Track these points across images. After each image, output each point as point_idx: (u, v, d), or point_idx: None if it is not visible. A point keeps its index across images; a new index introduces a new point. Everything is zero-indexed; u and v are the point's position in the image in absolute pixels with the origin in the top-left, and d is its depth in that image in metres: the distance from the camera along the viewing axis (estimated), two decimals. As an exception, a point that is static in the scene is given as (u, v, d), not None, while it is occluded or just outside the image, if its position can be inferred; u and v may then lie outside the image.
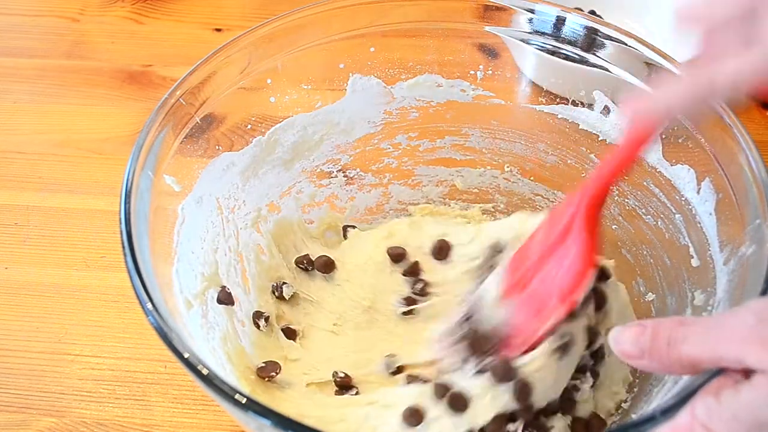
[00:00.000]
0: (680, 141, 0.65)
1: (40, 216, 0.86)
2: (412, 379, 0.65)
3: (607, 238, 0.73)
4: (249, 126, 0.70)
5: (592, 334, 0.63)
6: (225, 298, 0.66)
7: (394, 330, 0.71)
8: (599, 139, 0.71)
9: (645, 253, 0.70)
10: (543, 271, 0.59)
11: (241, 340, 0.66)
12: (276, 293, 0.72)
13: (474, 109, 0.75)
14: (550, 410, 0.61)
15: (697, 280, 0.62)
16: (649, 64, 0.65)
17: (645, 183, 0.68)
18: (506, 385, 0.58)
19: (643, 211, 0.70)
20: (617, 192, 0.72)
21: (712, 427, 0.43)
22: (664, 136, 0.66)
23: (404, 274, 0.73)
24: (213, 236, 0.67)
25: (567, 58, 0.70)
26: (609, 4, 1.02)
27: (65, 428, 0.69)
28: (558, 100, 0.73)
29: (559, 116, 0.73)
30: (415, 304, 0.72)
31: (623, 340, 0.48)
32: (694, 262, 0.63)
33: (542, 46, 0.72)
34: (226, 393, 0.46)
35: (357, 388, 0.66)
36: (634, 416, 0.63)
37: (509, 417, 0.59)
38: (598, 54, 0.68)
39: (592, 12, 0.99)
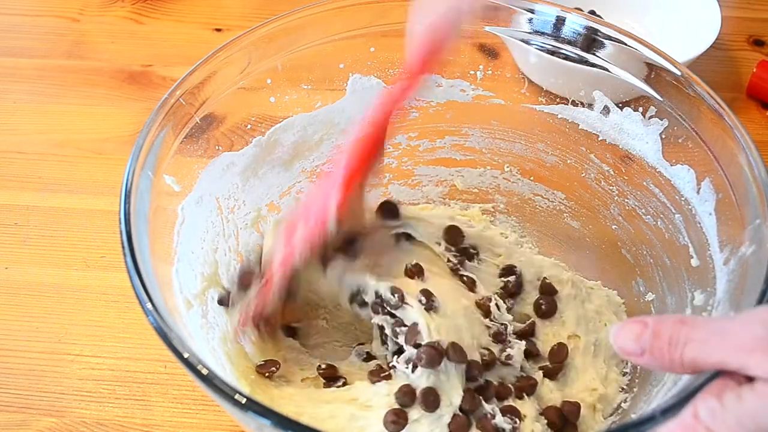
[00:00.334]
0: (680, 141, 0.65)
1: (40, 216, 0.86)
2: (380, 372, 0.65)
3: (607, 238, 0.74)
4: (249, 126, 0.70)
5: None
6: (226, 301, 0.66)
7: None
8: (599, 139, 0.71)
9: (645, 253, 0.70)
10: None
11: (240, 340, 0.66)
12: None
13: (474, 109, 0.75)
14: (507, 391, 0.63)
15: (696, 280, 0.62)
16: (649, 64, 0.65)
17: (645, 183, 0.68)
18: (443, 364, 0.59)
19: (643, 211, 0.70)
20: (617, 192, 0.72)
21: (715, 429, 0.43)
22: (663, 137, 0.66)
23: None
24: (213, 236, 0.67)
25: (567, 58, 0.70)
26: (609, 4, 1.02)
27: (65, 428, 0.69)
28: (558, 100, 0.73)
29: (559, 116, 0.73)
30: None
31: (623, 336, 0.48)
32: (694, 262, 0.63)
33: (542, 46, 0.72)
34: (226, 393, 0.46)
35: (344, 378, 0.66)
36: (633, 416, 0.63)
37: (476, 389, 0.61)
38: (598, 54, 0.68)
39: (592, 12, 0.99)
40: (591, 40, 0.68)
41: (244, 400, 0.46)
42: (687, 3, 0.99)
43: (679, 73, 0.64)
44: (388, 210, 0.71)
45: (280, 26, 0.68)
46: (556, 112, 0.73)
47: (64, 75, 1.02)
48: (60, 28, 1.10)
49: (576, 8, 0.78)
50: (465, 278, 0.70)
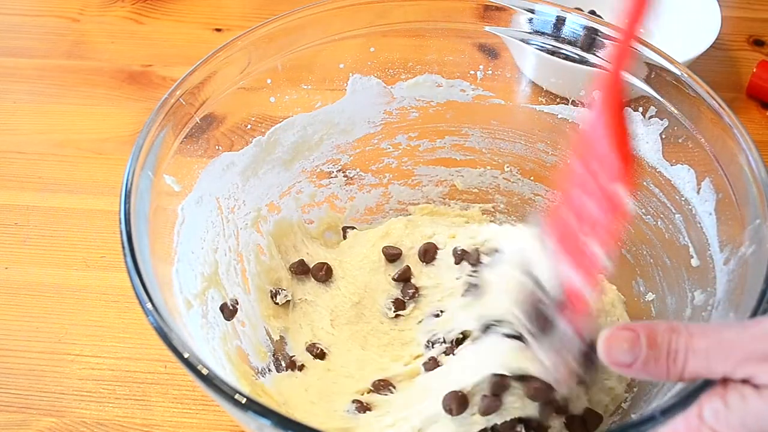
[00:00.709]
0: (680, 141, 0.65)
1: (40, 216, 0.86)
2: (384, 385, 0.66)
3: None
4: (249, 126, 0.70)
5: None
6: (228, 313, 0.66)
7: (379, 327, 0.73)
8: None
9: (645, 253, 0.70)
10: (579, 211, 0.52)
11: (241, 341, 0.67)
12: (273, 299, 0.72)
13: (474, 109, 0.75)
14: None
15: (696, 280, 0.62)
16: (649, 64, 0.65)
17: (645, 183, 0.68)
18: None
19: (643, 211, 0.70)
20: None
21: (719, 430, 0.43)
22: (663, 137, 0.66)
23: (395, 279, 0.74)
24: (213, 236, 0.67)
25: (567, 58, 0.70)
26: (609, 4, 1.02)
27: (65, 428, 0.69)
28: (558, 100, 0.73)
29: (559, 116, 0.73)
30: (404, 307, 0.73)
31: (614, 346, 0.45)
32: (694, 262, 0.63)
33: (542, 46, 0.72)
34: (226, 393, 0.46)
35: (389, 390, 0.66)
36: (634, 416, 0.63)
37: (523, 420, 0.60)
38: (598, 54, 0.68)
39: (592, 12, 0.99)
40: (591, 40, 0.68)
41: (244, 400, 0.46)
42: (687, 3, 0.99)
43: (679, 73, 0.64)
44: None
45: (280, 26, 0.68)
46: (556, 112, 0.73)
47: (64, 75, 1.02)
48: (60, 28, 1.10)
49: (576, 8, 0.78)
50: None
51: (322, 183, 0.77)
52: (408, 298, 0.73)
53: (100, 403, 0.71)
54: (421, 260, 0.75)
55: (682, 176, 0.65)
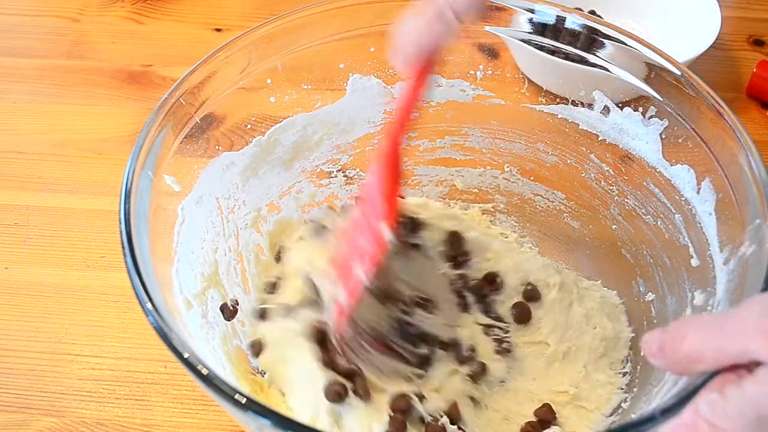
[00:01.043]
0: (680, 141, 0.65)
1: (40, 216, 0.86)
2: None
3: (607, 238, 0.74)
4: (249, 126, 0.70)
5: None
6: (228, 313, 0.66)
7: None
8: (599, 139, 0.71)
9: (645, 253, 0.70)
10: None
11: (241, 341, 0.67)
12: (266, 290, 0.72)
13: (474, 109, 0.75)
14: None
15: (696, 280, 0.62)
16: (649, 64, 0.65)
17: (645, 183, 0.68)
18: None
19: (643, 211, 0.70)
20: (617, 191, 0.72)
21: (716, 423, 0.43)
22: (663, 137, 0.66)
23: None
24: (213, 236, 0.67)
25: (567, 57, 0.70)
26: (609, 4, 1.02)
27: (65, 428, 0.69)
28: (558, 100, 0.72)
29: (559, 116, 0.73)
30: None
31: (649, 341, 0.48)
32: (694, 262, 0.63)
33: (542, 46, 0.72)
34: (226, 393, 0.46)
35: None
36: (634, 416, 0.63)
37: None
38: (598, 54, 0.68)
39: (592, 12, 0.99)
40: (591, 40, 0.68)
41: (244, 400, 0.46)
42: (687, 3, 0.99)
43: (679, 73, 0.64)
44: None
45: (280, 26, 0.68)
46: (556, 112, 0.73)
47: (64, 75, 1.02)
48: (60, 28, 1.10)
49: (576, 8, 0.78)
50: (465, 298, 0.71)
51: (322, 183, 0.77)
52: None
53: (100, 403, 0.71)
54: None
55: (682, 176, 0.65)
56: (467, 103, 0.75)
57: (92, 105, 0.98)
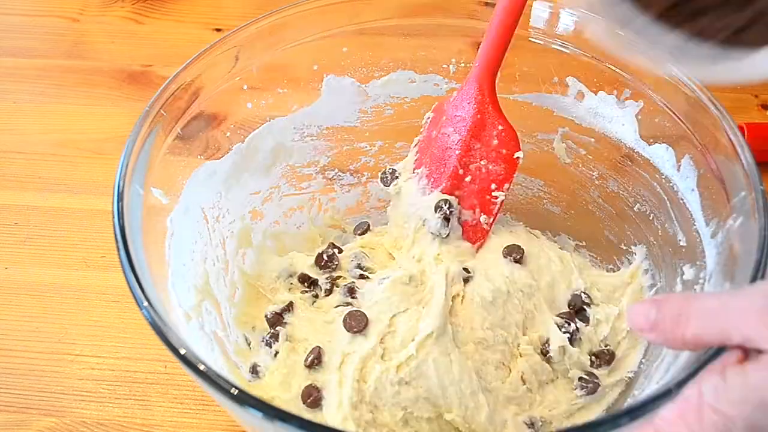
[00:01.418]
0: (656, 120, 0.65)
1: (40, 216, 0.86)
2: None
3: (589, 220, 0.74)
4: (228, 134, 0.69)
5: None
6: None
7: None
8: (575, 123, 0.71)
9: (629, 233, 0.70)
10: (472, 165, 0.69)
11: (229, 351, 0.66)
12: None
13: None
14: None
15: (684, 255, 0.62)
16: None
17: (624, 165, 0.69)
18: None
19: (624, 192, 0.70)
20: (597, 175, 0.72)
21: (719, 408, 0.43)
22: (639, 117, 0.66)
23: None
24: (201, 246, 0.66)
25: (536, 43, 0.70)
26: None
27: (65, 428, 0.69)
28: (531, 87, 0.72)
29: (533, 104, 0.72)
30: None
31: (635, 313, 0.49)
32: (680, 238, 0.63)
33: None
34: (223, 387, 0.46)
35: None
36: (636, 392, 0.63)
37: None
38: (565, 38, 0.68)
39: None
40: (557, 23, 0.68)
41: (239, 393, 0.46)
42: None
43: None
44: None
45: (254, 31, 0.68)
46: (530, 100, 0.73)
47: (64, 75, 1.03)
48: (60, 28, 1.10)
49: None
50: None
51: (302, 186, 0.77)
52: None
53: (100, 403, 0.71)
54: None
55: (661, 155, 0.65)
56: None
57: (92, 105, 0.99)
